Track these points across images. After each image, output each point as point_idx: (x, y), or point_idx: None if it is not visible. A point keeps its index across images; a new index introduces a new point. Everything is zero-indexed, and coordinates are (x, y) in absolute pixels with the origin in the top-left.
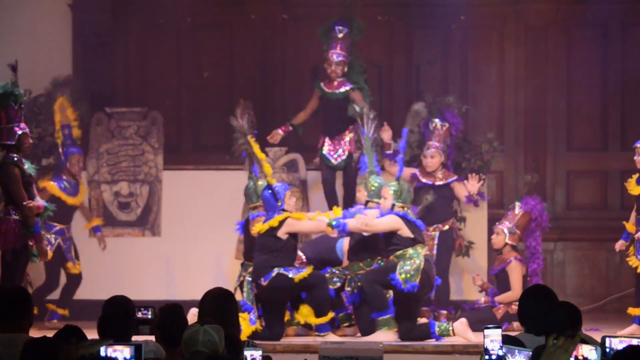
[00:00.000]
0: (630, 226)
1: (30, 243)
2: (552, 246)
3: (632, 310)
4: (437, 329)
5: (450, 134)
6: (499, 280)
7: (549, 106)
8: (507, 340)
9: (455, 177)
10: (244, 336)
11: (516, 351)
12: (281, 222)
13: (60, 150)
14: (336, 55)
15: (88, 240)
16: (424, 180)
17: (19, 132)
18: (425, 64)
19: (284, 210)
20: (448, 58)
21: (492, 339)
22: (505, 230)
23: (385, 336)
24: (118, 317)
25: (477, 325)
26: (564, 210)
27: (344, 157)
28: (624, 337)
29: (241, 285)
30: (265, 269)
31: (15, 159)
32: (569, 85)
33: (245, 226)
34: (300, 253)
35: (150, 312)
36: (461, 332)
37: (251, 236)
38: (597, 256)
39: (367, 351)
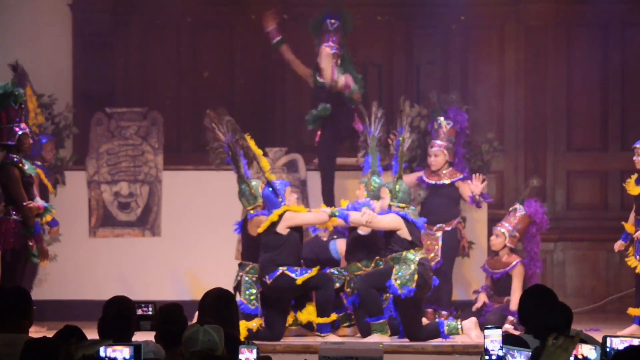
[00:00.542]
0: (629, 226)
1: (30, 243)
2: (552, 246)
3: (632, 311)
4: (445, 327)
5: (455, 132)
6: (499, 283)
7: (549, 106)
8: (511, 340)
9: (460, 176)
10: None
11: (516, 351)
12: (281, 217)
13: (35, 137)
14: (329, 48)
15: (88, 240)
16: (428, 180)
17: (19, 133)
18: (425, 64)
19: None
20: (448, 58)
21: (493, 339)
22: (506, 233)
23: (380, 340)
24: (118, 318)
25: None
26: (564, 210)
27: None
28: (625, 337)
29: (239, 285)
30: (270, 267)
31: (15, 159)
32: (569, 85)
33: (243, 226)
34: None
35: (150, 308)
36: (468, 331)
37: (249, 236)
38: (597, 256)
39: (367, 351)
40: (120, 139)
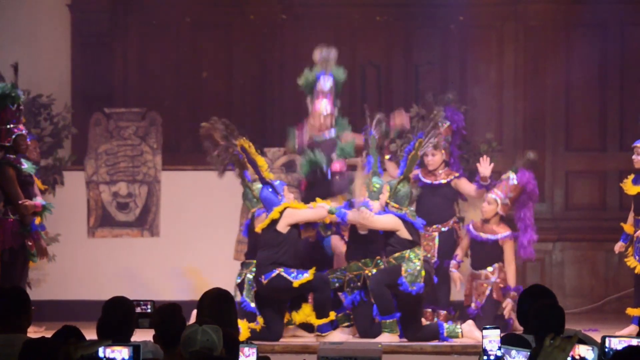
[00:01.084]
0: (628, 227)
1: (29, 243)
2: (550, 246)
3: (631, 311)
4: (445, 330)
5: (452, 132)
6: (482, 249)
7: (548, 106)
8: (512, 339)
9: (456, 175)
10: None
11: (514, 351)
12: (281, 214)
13: None
14: (324, 108)
15: (86, 240)
16: (424, 179)
17: (16, 133)
18: (424, 64)
19: None
20: (447, 58)
21: (491, 339)
22: (498, 200)
23: (388, 339)
24: (118, 319)
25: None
26: (563, 210)
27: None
28: (624, 337)
29: (242, 284)
30: (267, 266)
31: (12, 159)
32: (568, 85)
33: (251, 225)
34: None
35: (149, 306)
36: (469, 333)
37: (256, 234)
38: (596, 256)
39: (366, 352)
40: (119, 139)
